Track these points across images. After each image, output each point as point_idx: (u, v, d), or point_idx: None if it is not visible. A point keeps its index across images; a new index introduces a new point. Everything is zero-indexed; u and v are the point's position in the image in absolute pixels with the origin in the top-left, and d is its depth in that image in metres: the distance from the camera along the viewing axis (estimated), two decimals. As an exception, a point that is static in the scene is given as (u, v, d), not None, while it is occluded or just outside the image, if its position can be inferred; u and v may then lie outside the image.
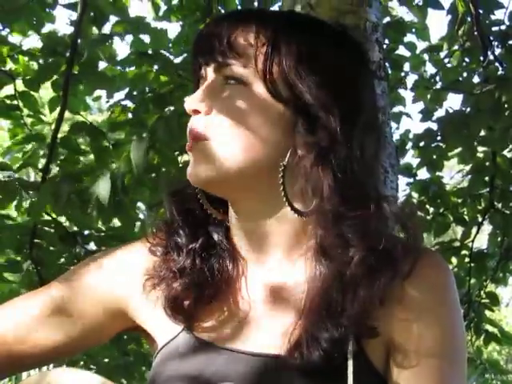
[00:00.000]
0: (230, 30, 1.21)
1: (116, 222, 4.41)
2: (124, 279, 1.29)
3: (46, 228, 4.16)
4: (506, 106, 4.47)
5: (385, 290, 1.15)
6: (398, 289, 1.16)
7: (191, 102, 1.21)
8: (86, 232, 4.27)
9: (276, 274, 1.22)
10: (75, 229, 4.36)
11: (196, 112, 1.21)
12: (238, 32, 1.21)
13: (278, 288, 1.21)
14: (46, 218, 4.18)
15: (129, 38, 4.32)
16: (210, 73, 1.23)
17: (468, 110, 4.59)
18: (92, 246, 4.40)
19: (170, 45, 4.41)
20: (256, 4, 4.14)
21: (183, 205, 1.27)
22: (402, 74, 5.00)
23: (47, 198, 3.64)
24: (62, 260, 4.25)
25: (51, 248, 4.22)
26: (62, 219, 4.48)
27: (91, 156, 4.08)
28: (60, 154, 4.02)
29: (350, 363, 1.12)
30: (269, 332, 1.18)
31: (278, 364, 1.15)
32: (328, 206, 1.15)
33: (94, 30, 4.07)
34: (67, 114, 4.15)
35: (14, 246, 4.15)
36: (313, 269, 1.18)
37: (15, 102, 4.15)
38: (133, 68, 4.30)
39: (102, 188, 3.48)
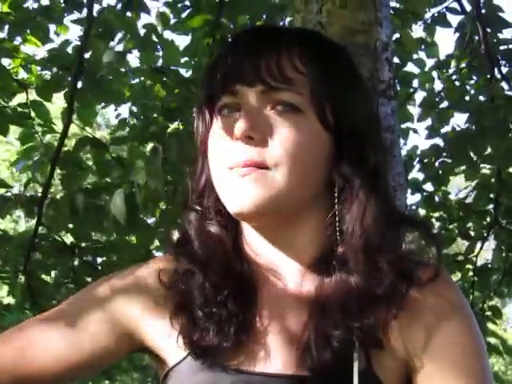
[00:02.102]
0: (277, 51, 1.20)
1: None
2: (136, 302, 1.28)
3: (43, 242, 4.15)
4: (511, 125, 4.48)
5: (401, 306, 1.17)
6: (414, 303, 1.18)
7: (245, 128, 1.17)
8: (84, 244, 4.26)
9: (293, 290, 1.23)
10: (72, 240, 4.34)
11: (249, 138, 1.18)
12: (283, 55, 1.20)
13: (293, 305, 1.22)
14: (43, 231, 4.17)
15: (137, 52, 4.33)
16: (252, 95, 1.20)
17: (473, 128, 4.60)
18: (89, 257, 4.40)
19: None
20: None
21: (209, 241, 1.25)
22: (411, 90, 5.02)
23: (65, 211, 3.64)
24: (57, 272, 4.24)
25: (47, 261, 4.21)
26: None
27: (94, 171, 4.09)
28: (63, 169, 4.02)
29: (356, 367, 1.14)
30: (285, 350, 1.19)
31: (288, 382, 1.16)
32: (366, 230, 1.18)
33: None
34: (76, 129, 4.16)
35: (8, 259, 4.13)
36: (331, 279, 1.20)
37: (27, 111, 4.15)
38: (141, 79, 4.32)
39: (117, 204, 3.49)
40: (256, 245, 1.24)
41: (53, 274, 4.40)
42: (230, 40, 1.30)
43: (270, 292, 1.24)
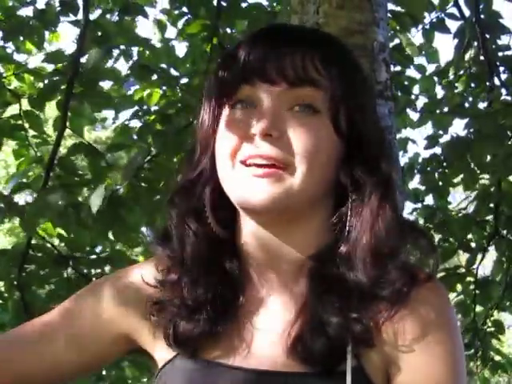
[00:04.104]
0: (301, 51, 1.20)
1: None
2: (126, 304, 1.29)
3: (38, 253, 4.11)
4: (509, 131, 4.46)
5: (400, 308, 1.17)
6: (402, 311, 1.18)
7: (266, 125, 1.18)
8: (79, 255, 4.20)
9: (288, 284, 1.23)
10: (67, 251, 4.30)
11: (267, 136, 1.18)
12: (306, 55, 1.20)
13: (288, 297, 1.23)
14: (39, 241, 4.13)
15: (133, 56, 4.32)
16: (272, 93, 1.20)
17: (471, 134, 4.58)
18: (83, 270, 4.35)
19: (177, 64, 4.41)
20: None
21: (187, 237, 1.24)
22: (412, 96, 5.02)
23: (43, 209, 3.58)
24: (51, 285, 4.20)
25: (41, 272, 4.16)
26: (55, 241, 4.43)
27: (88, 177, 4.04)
28: (57, 176, 3.95)
29: (349, 361, 1.14)
30: (275, 344, 1.19)
31: (279, 379, 1.16)
32: (377, 236, 1.20)
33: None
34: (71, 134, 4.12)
35: (2, 272, 4.08)
36: (332, 274, 1.20)
37: (20, 122, 4.12)
38: (137, 87, 4.31)
39: (95, 197, 3.41)
40: (256, 239, 1.24)
41: (47, 287, 4.34)
42: (249, 35, 1.29)
43: (261, 287, 1.24)
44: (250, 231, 1.24)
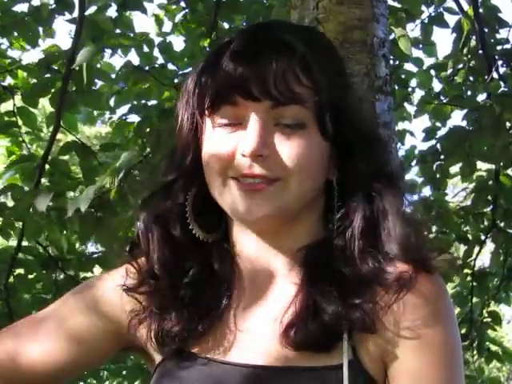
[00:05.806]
0: (282, 64, 1.18)
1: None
2: (118, 300, 1.29)
3: (28, 256, 4.08)
4: (506, 123, 4.45)
5: (393, 296, 1.17)
6: (402, 296, 1.18)
7: (255, 147, 1.17)
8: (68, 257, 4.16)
9: (282, 277, 1.24)
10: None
11: (258, 156, 1.18)
12: (287, 67, 1.18)
13: (281, 290, 1.23)
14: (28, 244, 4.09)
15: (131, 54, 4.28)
16: (257, 111, 1.18)
17: (470, 126, 4.56)
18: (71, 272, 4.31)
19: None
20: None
21: (167, 232, 1.25)
22: (409, 89, 5.01)
23: (27, 212, 3.53)
24: (38, 288, 4.18)
25: (29, 276, 4.14)
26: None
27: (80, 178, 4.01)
28: (50, 174, 3.94)
29: (345, 354, 1.14)
30: (269, 336, 1.19)
31: (269, 373, 1.16)
32: (379, 231, 1.21)
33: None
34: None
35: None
36: (329, 265, 1.20)
37: (13, 119, 4.09)
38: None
39: (84, 198, 3.36)
40: (248, 241, 1.25)
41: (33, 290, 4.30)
42: (226, 43, 1.25)
43: (252, 281, 1.24)
44: (241, 234, 1.25)
